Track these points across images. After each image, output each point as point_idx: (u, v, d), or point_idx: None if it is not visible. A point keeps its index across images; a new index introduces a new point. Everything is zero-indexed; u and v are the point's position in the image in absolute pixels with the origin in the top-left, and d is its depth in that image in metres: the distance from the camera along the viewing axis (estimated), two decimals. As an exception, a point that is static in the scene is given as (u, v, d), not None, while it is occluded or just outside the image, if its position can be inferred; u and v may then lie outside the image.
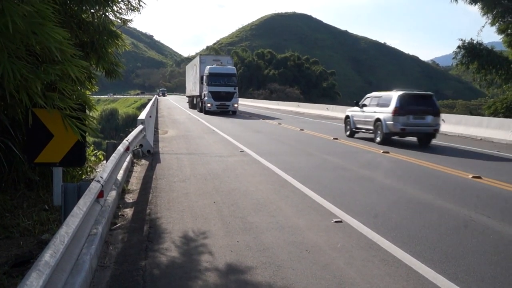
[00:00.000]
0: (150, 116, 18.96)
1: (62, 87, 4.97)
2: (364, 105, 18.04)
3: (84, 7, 7.42)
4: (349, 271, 4.75)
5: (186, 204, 7.58)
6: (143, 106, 50.54)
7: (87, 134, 5.92)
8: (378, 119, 16.37)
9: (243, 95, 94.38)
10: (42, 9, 4.47)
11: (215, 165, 11.47)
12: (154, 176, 9.97)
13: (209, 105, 34.11)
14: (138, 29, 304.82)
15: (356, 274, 4.67)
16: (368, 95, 18.50)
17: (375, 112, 16.84)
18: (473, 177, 9.90)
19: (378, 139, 16.25)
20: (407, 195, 8.28)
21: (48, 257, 2.92)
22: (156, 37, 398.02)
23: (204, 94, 34.98)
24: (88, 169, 9.94)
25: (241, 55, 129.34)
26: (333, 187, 8.92)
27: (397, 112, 15.63)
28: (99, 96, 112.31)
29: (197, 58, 41.72)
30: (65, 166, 6.22)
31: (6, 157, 7.20)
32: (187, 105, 51.33)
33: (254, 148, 14.34)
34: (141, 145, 12.77)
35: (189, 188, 8.81)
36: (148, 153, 13.20)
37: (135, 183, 9.34)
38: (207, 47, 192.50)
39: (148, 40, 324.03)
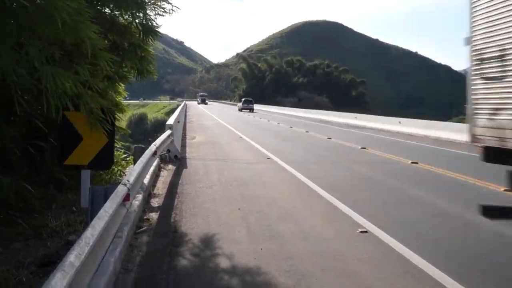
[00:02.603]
0: (179, 122, 19.14)
1: (94, 84, 5.06)
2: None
3: (118, 10, 7.48)
4: (375, 283, 4.67)
5: (212, 210, 7.60)
6: (172, 111, 50.29)
7: (118, 137, 6.01)
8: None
9: (271, 102, 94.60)
10: (80, 7, 4.57)
11: (242, 172, 11.49)
12: (180, 181, 10.05)
13: None
14: (169, 35, 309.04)
15: (381, 286, 4.59)
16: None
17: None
18: (505, 190, 9.61)
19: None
20: (436, 207, 8.10)
21: (73, 258, 2.95)
22: (186, 43, 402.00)
23: None
24: (117, 172, 10.08)
25: (271, 62, 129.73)
26: (359, 196, 8.81)
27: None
28: (129, 101, 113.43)
29: None
30: (93, 169, 6.32)
31: (37, 158, 7.36)
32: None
33: (281, 156, 14.30)
34: (168, 150, 12.89)
35: (215, 194, 8.84)
36: (175, 158, 13.31)
37: (161, 188, 9.42)
38: (237, 54, 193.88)
39: (179, 46, 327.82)
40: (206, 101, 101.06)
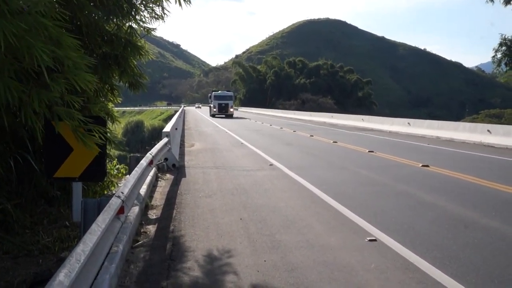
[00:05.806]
0: (176, 129, 19.13)
1: (70, 100, 4.96)
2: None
3: (108, 19, 7.60)
4: (384, 294, 4.63)
5: (212, 220, 7.58)
6: (170, 118, 50.18)
7: (110, 147, 5.96)
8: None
9: (272, 106, 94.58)
10: (43, 22, 4.37)
11: (243, 179, 11.47)
12: (178, 191, 10.03)
13: None
14: (164, 38, 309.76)
15: (391, 298, 4.56)
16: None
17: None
18: (522, 192, 9.58)
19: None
20: (448, 212, 8.06)
21: (63, 276, 2.94)
22: (183, 46, 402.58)
23: None
24: (111, 184, 10.07)
25: (271, 63, 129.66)
26: (367, 203, 8.77)
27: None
28: (125, 108, 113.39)
29: None
30: (84, 181, 6.30)
31: (25, 172, 7.33)
32: None
33: (284, 162, 14.29)
34: (166, 159, 12.87)
35: (215, 203, 8.81)
36: (173, 167, 13.30)
37: (159, 199, 9.41)
38: (236, 56, 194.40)
39: (175, 50, 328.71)
40: (231, 109, 58.55)
